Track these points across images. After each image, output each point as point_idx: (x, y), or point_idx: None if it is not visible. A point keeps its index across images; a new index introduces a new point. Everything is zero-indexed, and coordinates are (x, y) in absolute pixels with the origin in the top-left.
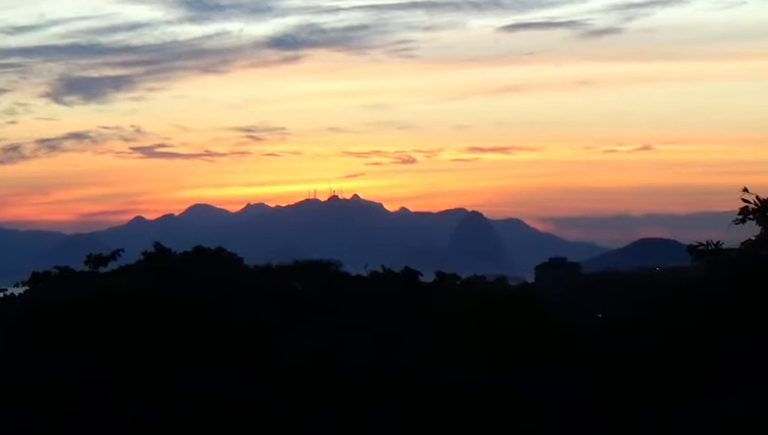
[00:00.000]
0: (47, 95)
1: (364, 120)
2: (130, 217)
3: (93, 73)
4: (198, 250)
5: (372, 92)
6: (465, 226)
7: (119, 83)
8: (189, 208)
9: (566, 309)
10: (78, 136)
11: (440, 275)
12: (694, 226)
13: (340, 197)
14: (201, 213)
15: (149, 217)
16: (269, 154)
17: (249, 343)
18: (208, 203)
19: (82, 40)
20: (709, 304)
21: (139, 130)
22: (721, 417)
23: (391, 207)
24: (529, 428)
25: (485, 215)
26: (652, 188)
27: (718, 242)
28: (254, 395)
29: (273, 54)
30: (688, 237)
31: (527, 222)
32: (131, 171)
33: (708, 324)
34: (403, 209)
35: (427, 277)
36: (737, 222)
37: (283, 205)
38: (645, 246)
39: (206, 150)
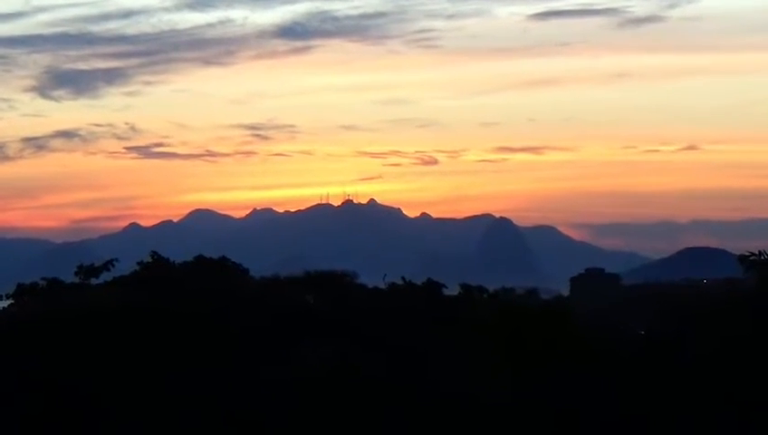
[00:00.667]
0: (33, 89)
1: (381, 117)
2: (125, 223)
3: (83, 65)
4: (199, 260)
5: (390, 87)
6: (493, 233)
7: (111, 76)
8: (189, 214)
9: (604, 325)
10: (67, 134)
11: (465, 287)
12: (745, 233)
13: (354, 201)
14: (202, 219)
15: (145, 223)
16: (277, 154)
17: (247, 360)
18: (210, 208)
19: (71, 28)
20: (763, 318)
21: (133, 128)
22: None
23: (411, 212)
24: None
25: (515, 221)
26: (698, 192)
27: None
28: (244, 418)
29: (281, 45)
30: (739, 246)
31: (561, 229)
32: (125, 173)
33: (763, 340)
34: (424, 215)
35: (451, 290)
36: None
37: (293, 210)
38: (691, 255)
39: (208, 150)
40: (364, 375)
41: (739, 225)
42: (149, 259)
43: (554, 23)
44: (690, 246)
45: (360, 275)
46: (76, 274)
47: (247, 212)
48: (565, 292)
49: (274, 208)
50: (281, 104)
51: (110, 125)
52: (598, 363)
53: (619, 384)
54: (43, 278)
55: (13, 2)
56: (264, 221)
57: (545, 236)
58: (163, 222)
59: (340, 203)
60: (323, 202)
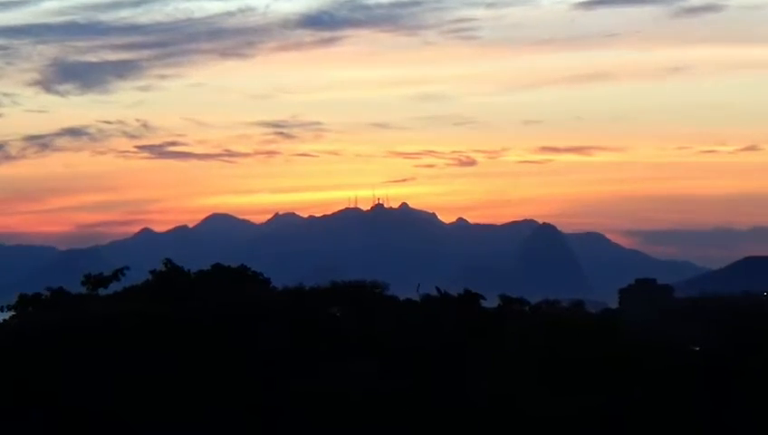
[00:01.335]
0: (37, 83)
1: (415, 115)
2: (136, 229)
3: (92, 57)
4: (217, 268)
5: (425, 81)
6: (535, 240)
7: (122, 70)
8: (206, 219)
9: (655, 340)
10: (74, 132)
11: (505, 299)
12: None
13: (385, 205)
14: (220, 224)
15: (159, 229)
16: (301, 154)
17: (263, 376)
18: (229, 213)
19: (79, 17)
20: None
21: (146, 126)
22: None
23: (447, 217)
24: None
25: (559, 227)
26: (759, 197)
27: None
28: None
29: (306, 35)
30: None
31: (609, 236)
32: (137, 174)
33: None
34: (461, 221)
35: (490, 302)
36: None
37: (318, 215)
38: (751, 265)
39: (226, 150)
40: (393, 391)
41: None
42: (163, 268)
43: (603, 12)
44: (750, 254)
45: (390, 286)
46: (83, 283)
47: (269, 217)
48: (613, 304)
49: (298, 213)
50: (306, 100)
51: (120, 122)
52: (648, 382)
53: (669, 403)
54: (48, 288)
55: None
56: (287, 227)
57: (592, 243)
58: (178, 227)
59: (369, 207)
60: (351, 206)
